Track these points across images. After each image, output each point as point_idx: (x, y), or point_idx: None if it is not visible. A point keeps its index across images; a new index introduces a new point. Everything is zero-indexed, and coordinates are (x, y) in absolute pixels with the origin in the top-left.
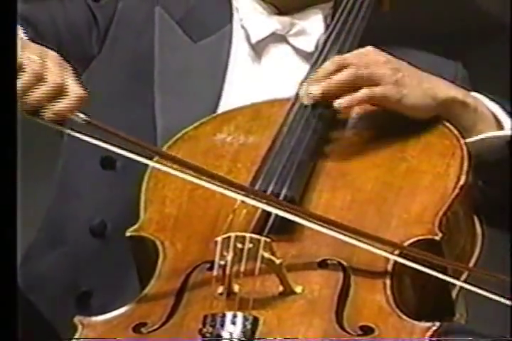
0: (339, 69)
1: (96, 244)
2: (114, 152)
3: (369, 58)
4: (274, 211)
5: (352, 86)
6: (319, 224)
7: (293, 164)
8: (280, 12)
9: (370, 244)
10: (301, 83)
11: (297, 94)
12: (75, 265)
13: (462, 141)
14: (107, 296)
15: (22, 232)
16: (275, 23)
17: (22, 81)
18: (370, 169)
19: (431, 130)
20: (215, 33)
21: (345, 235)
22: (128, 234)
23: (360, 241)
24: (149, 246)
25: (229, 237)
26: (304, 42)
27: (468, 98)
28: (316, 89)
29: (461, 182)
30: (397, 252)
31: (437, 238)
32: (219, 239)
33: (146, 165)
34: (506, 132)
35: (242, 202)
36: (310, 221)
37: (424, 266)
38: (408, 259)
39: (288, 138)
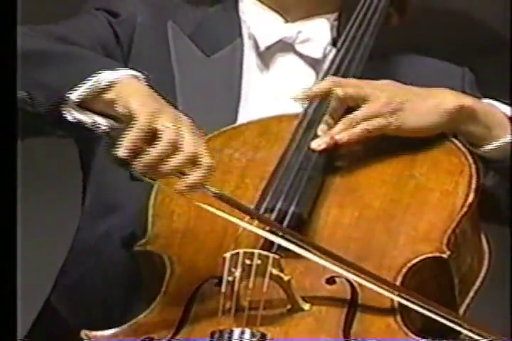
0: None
1: (126, 255)
2: None
3: (367, 89)
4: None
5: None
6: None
7: (301, 181)
8: (286, 21)
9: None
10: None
11: (305, 111)
12: (105, 277)
13: (470, 159)
14: (128, 309)
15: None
16: (282, 30)
17: (158, 149)
18: (378, 186)
19: (439, 147)
20: (226, 46)
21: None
22: (135, 248)
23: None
24: (156, 261)
25: (237, 253)
26: (311, 48)
27: (477, 103)
28: (320, 144)
29: (470, 200)
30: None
31: (445, 256)
32: (227, 255)
33: None
34: None
35: (251, 218)
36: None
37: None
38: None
39: (296, 154)
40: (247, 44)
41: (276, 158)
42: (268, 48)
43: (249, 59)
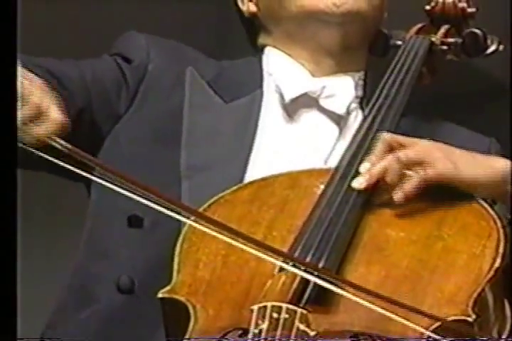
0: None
1: (124, 300)
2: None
3: (419, 145)
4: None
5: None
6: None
7: (331, 236)
8: (313, 75)
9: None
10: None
11: (337, 167)
12: (105, 322)
13: (499, 224)
14: None
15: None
16: (308, 84)
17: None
18: (406, 245)
19: (469, 210)
20: (246, 95)
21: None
22: (160, 295)
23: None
24: (181, 309)
25: (265, 306)
26: (335, 104)
27: None
28: (363, 181)
29: (496, 264)
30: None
31: (470, 319)
32: (255, 307)
33: (175, 224)
34: None
35: (280, 270)
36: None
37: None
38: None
39: (326, 210)
40: (271, 97)
41: (305, 212)
42: (293, 101)
43: (272, 110)
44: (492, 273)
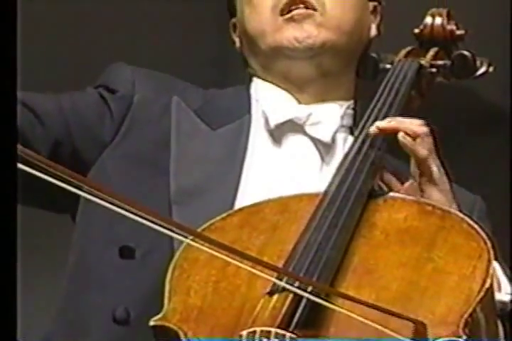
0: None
1: (120, 332)
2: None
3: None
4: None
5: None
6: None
7: (320, 260)
8: (299, 102)
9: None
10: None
11: (326, 191)
12: None
13: (489, 244)
14: None
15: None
16: (294, 111)
17: None
18: (396, 268)
19: (458, 231)
20: (233, 121)
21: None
22: (151, 323)
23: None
24: (172, 336)
25: (254, 332)
26: (320, 131)
27: None
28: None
29: (487, 285)
30: None
31: (461, 340)
32: (244, 332)
33: (166, 253)
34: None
35: (270, 293)
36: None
37: None
38: None
39: (315, 234)
40: (259, 121)
41: (295, 237)
42: (278, 127)
43: (260, 136)
44: (482, 293)
